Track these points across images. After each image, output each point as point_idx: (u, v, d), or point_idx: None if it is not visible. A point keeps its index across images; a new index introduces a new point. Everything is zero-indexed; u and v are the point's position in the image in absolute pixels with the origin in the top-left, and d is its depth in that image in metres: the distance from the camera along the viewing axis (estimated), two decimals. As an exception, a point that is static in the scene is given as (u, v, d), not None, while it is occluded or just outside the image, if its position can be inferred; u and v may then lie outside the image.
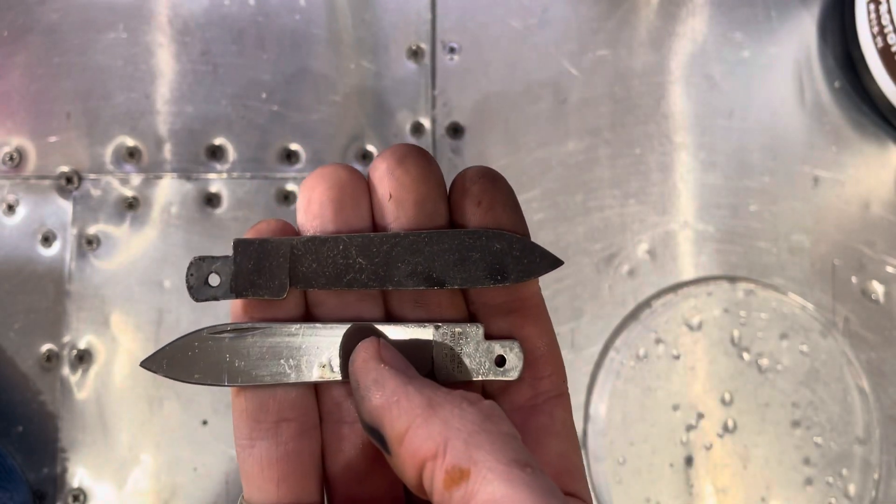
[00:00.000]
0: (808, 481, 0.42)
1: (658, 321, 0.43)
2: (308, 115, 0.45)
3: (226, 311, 0.43)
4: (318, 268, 0.19)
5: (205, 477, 0.42)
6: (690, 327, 0.43)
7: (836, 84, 0.46)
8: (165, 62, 0.45)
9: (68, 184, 0.44)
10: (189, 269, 0.20)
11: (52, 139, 0.45)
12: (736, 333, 0.43)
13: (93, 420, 0.42)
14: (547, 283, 0.43)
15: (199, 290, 0.20)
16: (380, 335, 0.20)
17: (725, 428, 0.42)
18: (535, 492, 0.15)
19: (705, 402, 0.43)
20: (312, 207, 0.20)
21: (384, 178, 0.20)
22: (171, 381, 0.20)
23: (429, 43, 0.45)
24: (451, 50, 0.45)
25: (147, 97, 0.45)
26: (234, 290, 0.19)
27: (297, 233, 0.20)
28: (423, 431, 0.17)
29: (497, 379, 0.20)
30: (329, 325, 0.20)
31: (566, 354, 0.42)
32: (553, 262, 0.20)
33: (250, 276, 0.20)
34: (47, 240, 0.44)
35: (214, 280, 0.20)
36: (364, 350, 0.18)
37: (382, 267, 0.19)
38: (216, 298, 0.20)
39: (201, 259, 0.20)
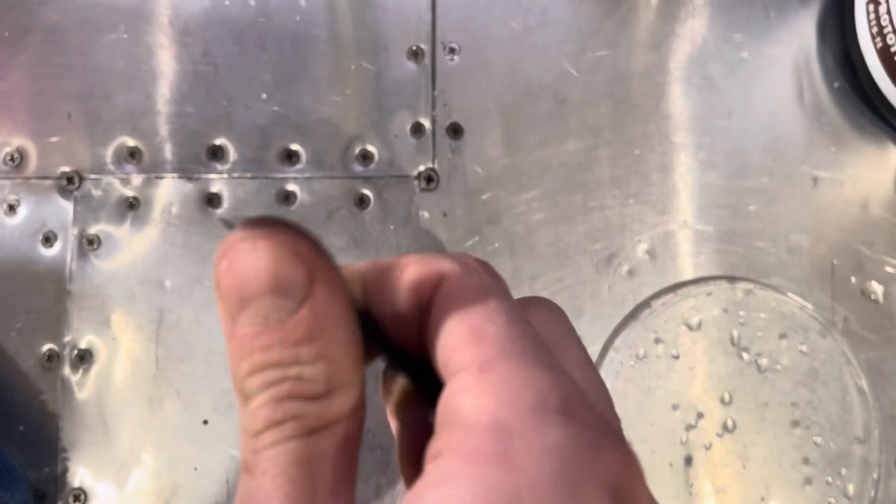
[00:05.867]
0: (808, 481, 0.42)
1: (657, 321, 0.43)
2: (308, 115, 0.45)
3: (226, 310, 0.43)
4: None
5: (205, 476, 0.42)
6: (690, 327, 0.43)
7: (836, 84, 0.46)
8: (166, 63, 0.45)
9: (69, 184, 0.44)
10: None
11: (53, 139, 0.45)
12: (735, 333, 0.43)
13: (93, 420, 0.42)
14: (547, 283, 0.43)
15: None
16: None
17: (725, 428, 0.43)
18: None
19: (705, 402, 0.43)
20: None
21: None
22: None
23: (429, 43, 0.45)
24: (451, 50, 0.45)
25: (148, 97, 0.45)
26: None
27: None
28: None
29: None
30: None
31: (566, 354, 0.42)
32: None
33: None
34: (48, 240, 0.44)
35: None
36: None
37: None
38: None
39: None
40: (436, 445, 0.14)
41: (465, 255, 0.18)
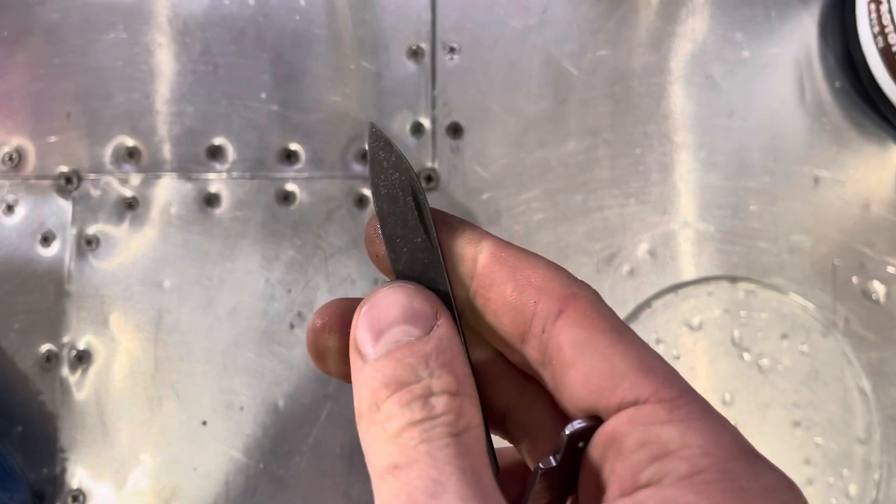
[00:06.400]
0: (809, 481, 0.42)
1: (658, 321, 0.43)
2: (308, 115, 0.45)
3: (227, 311, 0.43)
4: None
5: (205, 477, 0.42)
6: (691, 327, 0.43)
7: (837, 84, 0.45)
8: (165, 62, 0.45)
9: (68, 184, 0.44)
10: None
11: (52, 139, 0.45)
12: (736, 333, 0.43)
13: (92, 420, 0.42)
14: (547, 284, 0.43)
15: None
16: None
17: (726, 428, 0.42)
18: None
19: (705, 403, 0.43)
20: None
21: None
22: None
23: (429, 43, 0.45)
24: (451, 50, 0.45)
25: (147, 97, 0.45)
26: None
27: None
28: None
29: None
30: None
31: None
32: None
33: None
34: (47, 240, 0.44)
35: None
36: None
37: None
38: None
39: None
40: (637, 469, 0.15)
41: (582, 280, 0.19)
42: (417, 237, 0.18)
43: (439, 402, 0.16)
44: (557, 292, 0.18)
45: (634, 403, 0.16)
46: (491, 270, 0.18)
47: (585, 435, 0.17)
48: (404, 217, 0.18)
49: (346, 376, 0.19)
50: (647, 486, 0.15)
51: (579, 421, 0.17)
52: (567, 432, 0.17)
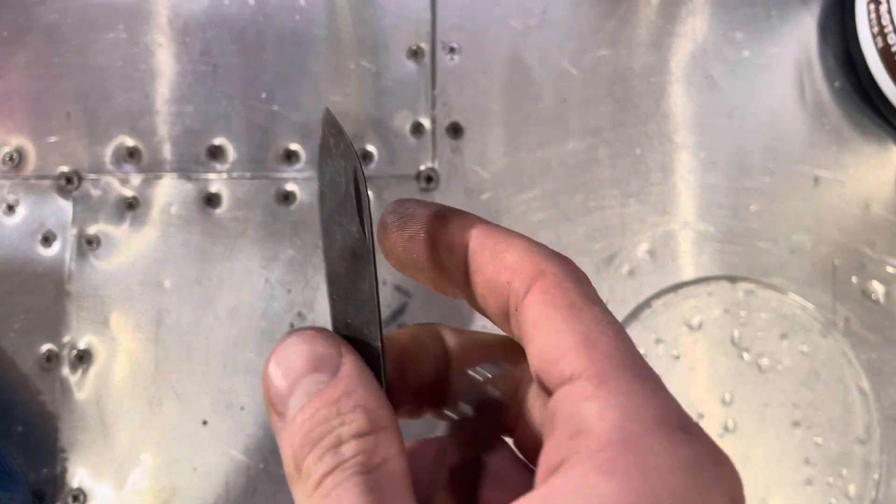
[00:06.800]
0: (809, 481, 0.42)
1: (658, 321, 0.43)
2: (308, 115, 0.45)
3: (227, 311, 0.43)
4: None
5: (205, 477, 0.42)
6: (690, 327, 0.43)
7: (837, 84, 0.45)
8: (165, 62, 0.45)
9: (68, 184, 0.44)
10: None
11: (52, 139, 0.45)
12: (736, 333, 0.43)
13: (93, 420, 0.42)
14: (547, 284, 0.43)
15: None
16: None
17: (725, 428, 0.42)
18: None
19: (705, 403, 0.43)
20: None
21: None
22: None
23: (429, 43, 0.45)
24: (451, 50, 0.45)
25: (147, 97, 0.45)
26: None
27: None
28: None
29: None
30: None
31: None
32: None
33: None
34: (47, 240, 0.44)
35: None
36: None
37: None
38: None
39: None
40: (557, 449, 0.15)
41: (559, 254, 0.19)
42: (353, 226, 0.18)
43: (348, 448, 0.16)
44: (528, 270, 0.18)
45: (570, 379, 0.16)
46: (476, 256, 0.19)
47: (479, 388, 0.17)
48: (343, 204, 0.18)
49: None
50: (561, 464, 0.15)
51: (476, 370, 0.17)
52: (469, 373, 0.17)
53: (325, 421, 0.16)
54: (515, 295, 0.18)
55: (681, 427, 0.15)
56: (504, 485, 0.18)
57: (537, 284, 0.17)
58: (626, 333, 0.17)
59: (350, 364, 0.17)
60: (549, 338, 0.16)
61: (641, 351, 0.42)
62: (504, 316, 0.18)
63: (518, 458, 0.19)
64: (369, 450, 0.16)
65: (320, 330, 0.18)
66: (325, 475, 0.16)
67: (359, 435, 0.16)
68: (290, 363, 0.17)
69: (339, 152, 0.18)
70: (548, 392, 0.17)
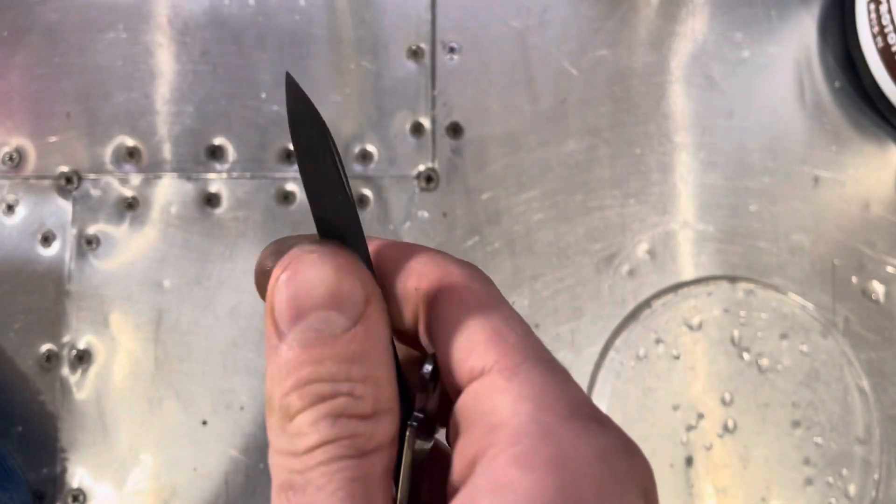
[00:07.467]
0: (809, 481, 0.42)
1: (658, 321, 0.43)
2: (308, 115, 0.45)
3: (227, 311, 0.43)
4: None
5: (205, 477, 0.42)
6: (690, 327, 0.43)
7: (836, 84, 0.45)
8: (165, 62, 0.45)
9: (68, 184, 0.44)
10: None
11: (52, 139, 0.45)
12: (736, 333, 0.43)
13: (92, 420, 0.42)
14: (547, 283, 0.43)
15: None
16: None
17: (725, 428, 0.42)
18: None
19: (705, 403, 0.43)
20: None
21: None
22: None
23: (429, 43, 0.45)
24: (451, 50, 0.45)
25: (147, 97, 0.45)
26: None
27: None
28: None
29: None
30: None
31: (566, 355, 0.42)
32: None
33: None
34: (47, 240, 0.44)
35: None
36: None
37: None
38: None
39: None
40: (473, 444, 0.15)
41: (463, 260, 0.19)
42: (339, 195, 0.17)
43: (349, 425, 0.15)
44: (434, 274, 0.17)
45: (482, 373, 0.16)
46: (382, 270, 0.18)
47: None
48: (326, 174, 0.17)
49: None
50: (477, 459, 0.14)
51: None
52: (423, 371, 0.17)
53: (332, 379, 0.15)
54: (424, 298, 0.17)
55: (594, 417, 0.15)
56: (437, 476, 0.18)
57: (445, 286, 0.17)
58: (532, 332, 0.17)
59: (374, 317, 0.15)
60: (459, 335, 0.16)
61: (641, 351, 0.42)
62: (416, 325, 0.18)
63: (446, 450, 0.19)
64: (369, 433, 0.15)
65: (350, 258, 0.16)
66: (317, 444, 0.15)
67: (362, 417, 0.15)
68: (308, 286, 0.15)
69: (307, 119, 0.17)
70: (458, 389, 0.16)
